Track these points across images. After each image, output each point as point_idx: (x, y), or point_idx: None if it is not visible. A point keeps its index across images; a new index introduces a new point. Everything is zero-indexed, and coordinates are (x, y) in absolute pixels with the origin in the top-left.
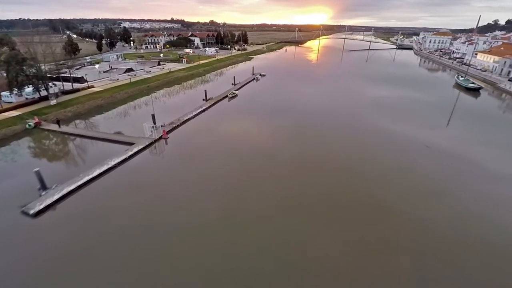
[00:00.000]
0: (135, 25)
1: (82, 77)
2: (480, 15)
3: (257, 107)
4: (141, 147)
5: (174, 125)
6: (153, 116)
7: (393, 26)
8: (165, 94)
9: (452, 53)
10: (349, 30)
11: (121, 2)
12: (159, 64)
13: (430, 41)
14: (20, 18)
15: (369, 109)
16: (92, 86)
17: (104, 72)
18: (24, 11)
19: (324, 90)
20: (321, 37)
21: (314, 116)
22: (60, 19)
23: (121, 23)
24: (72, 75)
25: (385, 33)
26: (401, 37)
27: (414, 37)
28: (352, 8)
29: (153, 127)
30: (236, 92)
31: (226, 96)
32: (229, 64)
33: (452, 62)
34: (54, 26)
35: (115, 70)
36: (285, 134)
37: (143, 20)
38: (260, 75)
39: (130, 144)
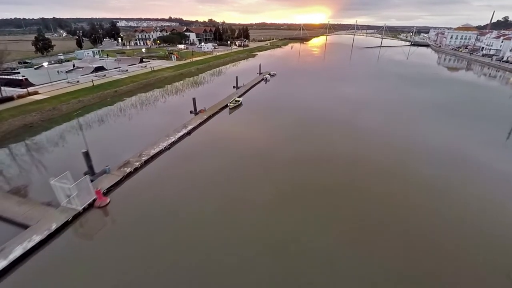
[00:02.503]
0: (132, 23)
1: (22, 79)
2: (494, 11)
3: (272, 123)
4: (37, 239)
5: (128, 171)
6: (86, 155)
7: (393, 25)
8: (135, 104)
9: (482, 50)
10: (352, 29)
11: (120, 2)
12: (141, 61)
13: (451, 37)
14: (15, 18)
15: (412, 119)
16: (36, 92)
17: (66, 72)
18: (23, 11)
19: (357, 93)
20: (328, 34)
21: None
22: (54, 18)
23: (117, 22)
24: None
25: (388, 31)
26: (410, 34)
27: (423, 34)
28: (351, 7)
29: (86, 179)
30: (240, 99)
31: (226, 105)
32: (229, 61)
33: (492, 59)
34: (47, 24)
35: (80, 69)
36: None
37: (140, 19)
38: (269, 74)
39: (25, 226)
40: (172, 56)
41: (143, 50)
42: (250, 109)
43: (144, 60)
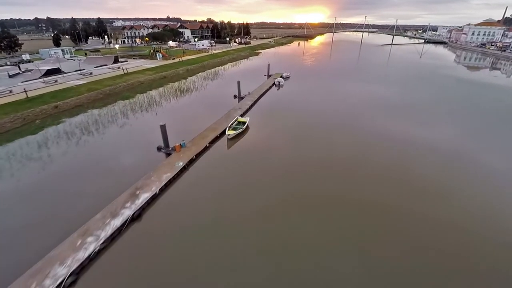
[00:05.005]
0: (129, 23)
1: None
2: (507, 7)
3: (308, 167)
4: None
5: None
6: None
7: (392, 24)
8: (73, 131)
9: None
10: (352, 28)
11: (118, 3)
12: (116, 61)
13: (473, 33)
14: (10, 18)
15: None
16: None
17: (10, 76)
18: (21, 12)
19: (401, 101)
20: (334, 32)
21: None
22: (48, 17)
23: (114, 22)
24: None
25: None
26: (419, 31)
27: (430, 32)
28: (350, 7)
29: None
30: (246, 119)
31: (223, 132)
32: (227, 61)
33: None
34: (40, 24)
35: (29, 72)
36: None
37: (138, 19)
38: (282, 77)
39: None
40: (158, 54)
41: (116, 47)
42: (263, 137)
43: (121, 59)
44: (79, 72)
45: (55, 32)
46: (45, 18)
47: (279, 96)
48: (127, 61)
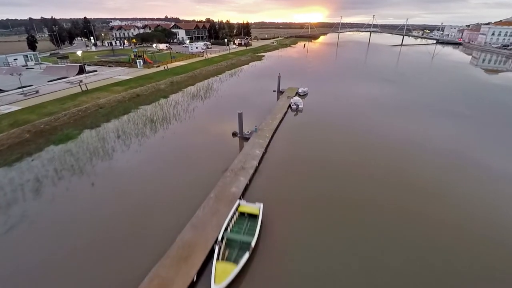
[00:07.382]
0: (127, 23)
1: None
2: None
3: None
4: None
5: None
6: None
7: (391, 23)
8: None
9: None
10: (352, 28)
11: (116, 3)
12: (82, 71)
13: (493, 34)
14: (7, 18)
15: None
16: None
17: None
18: (18, 12)
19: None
20: (340, 32)
21: None
22: (42, 17)
23: (111, 22)
24: None
25: (394, 29)
26: (426, 31)
27: (436, 31)
28: (349, 6)
29: None
30: (255, 207)
31: (208, 257)
32: (225, 68)
33: None
34: (33, 25)
35: None
36: None
37: (135, 19)
38: (298, 93)
39: None
40: (139, 61)
41: (79, 53)
42: (303, 265)
43: (91, 68)
44: (21, 90)
45: (30, 34)
46: (40, 18)
47: (302, 130)
48: (96, 70)
